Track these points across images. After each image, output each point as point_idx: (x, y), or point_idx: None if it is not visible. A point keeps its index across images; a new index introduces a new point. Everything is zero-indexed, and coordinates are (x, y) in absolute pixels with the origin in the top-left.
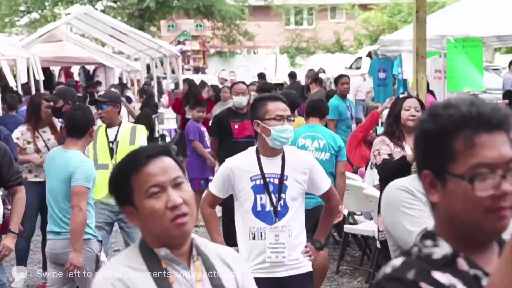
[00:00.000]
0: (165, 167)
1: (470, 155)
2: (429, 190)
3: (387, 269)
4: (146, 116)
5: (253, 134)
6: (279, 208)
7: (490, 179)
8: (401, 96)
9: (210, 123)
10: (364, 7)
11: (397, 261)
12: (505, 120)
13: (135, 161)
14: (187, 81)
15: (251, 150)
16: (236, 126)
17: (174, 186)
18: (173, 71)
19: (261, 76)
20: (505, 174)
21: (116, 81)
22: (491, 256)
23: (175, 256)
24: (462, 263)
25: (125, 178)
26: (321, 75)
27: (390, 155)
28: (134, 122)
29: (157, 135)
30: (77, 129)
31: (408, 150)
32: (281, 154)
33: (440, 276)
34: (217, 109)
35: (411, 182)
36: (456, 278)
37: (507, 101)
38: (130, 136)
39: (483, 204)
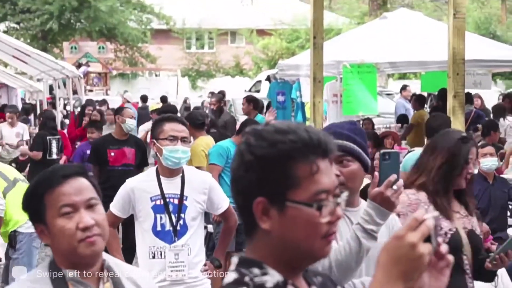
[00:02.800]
0: (80, 188)
1: (312, 182)
2: (260, 218)
3: None
4: (40, 137)
5: (133, 162)
6: (178, 228)
7: (329, 206)
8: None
9: None
10: (262, 32)
11: None
12: (334, 147)
13: (51, 179)
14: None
15: (152, 170)
16: (112, 154)
17: (87, 207)
18: (75, 92)
19: (163, 99)
20: (336, 201)
21: (19, 102)
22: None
23: (84, 277)
24: None
25: (39, 196)
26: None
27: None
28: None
29: (54, 157)
30: None
31: (460, 227)
32: (181, 175)
33: None
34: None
35: None
36: None
37: (400, 124)
38: None
39: (322, 230)
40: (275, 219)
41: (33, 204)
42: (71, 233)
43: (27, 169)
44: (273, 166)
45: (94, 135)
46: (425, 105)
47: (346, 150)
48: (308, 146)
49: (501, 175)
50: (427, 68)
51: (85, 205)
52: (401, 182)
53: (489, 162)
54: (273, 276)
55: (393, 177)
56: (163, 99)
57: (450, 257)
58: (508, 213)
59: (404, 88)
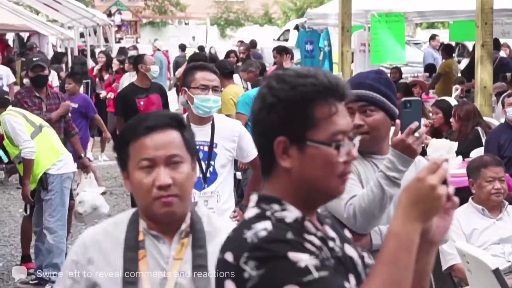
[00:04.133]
0: (164, 142)
1: (330, 123)
2: (280, 156)
3: (260, 233)
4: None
5: (160, 108)
6: (208, 175)
7: (346, 146)
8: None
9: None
10: None
11: (264, 225)
12: (349, 92)
13: (137, 128)
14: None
15: None
16: (142, 103)
17: (169, 164)
18: (106, 40)
19: (200, 48)
20: (352, 142)
21: (50, 49)
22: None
23: (160, 230)
24: (309, 226)
25: (125, 143)
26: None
27: None
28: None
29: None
30: None
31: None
32: (211, 122)
33: (310, 237)
34: (125, 81)
35: None
36: (316, 239)
37: (427, 74)
38: None
39: (339, 169)
40: (295, 158)
41: (120, 150)
42: (147, 189)
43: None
44: (295, 108)
45: (70, 86)
46: (453, 55)
47: (368, 100)
48: (327, 89)
49: None
50: (455, 17)
51: (165, 162)
52: (423, 129)
53: None
54: (292, 212)
55: (414, 124)
56: (200, 48)
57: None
58: None
59: (432, 37)
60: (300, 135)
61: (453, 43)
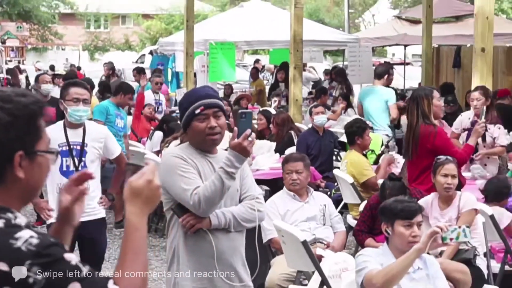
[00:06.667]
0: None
1: (45, 134)
2: (17, 168)
3: (31, 240)
4: None
5: (54, 119)
6: (80, 168)
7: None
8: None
9: None
10: (146, 16)
11: (26, 233)
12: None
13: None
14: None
15: (60, 123)
16: None
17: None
18: None
19: (72, 67)
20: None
21: None
22: None
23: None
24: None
25: None
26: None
27: None
28: None
29: None
30: None
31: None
32: (83, 127)
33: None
34: None
35: (184, 150)
36: None
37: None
38: None
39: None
40: (27, 167)
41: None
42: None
43: None
44: (30, 123)
45: None
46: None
47: (219, 106)
48: (44, 103)
49: (329, 128)
50: (274, 45)
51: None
52: (253, 135)
53: (320, 119)
54: (21, 218)
55: (248, 131)
56: (72, 66)
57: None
58: (334, 158)
59: (256, 61)
60: (33, 147)
61: (272, 66)
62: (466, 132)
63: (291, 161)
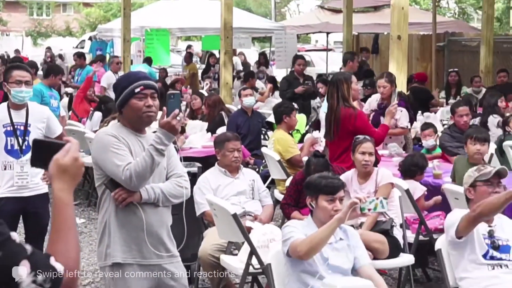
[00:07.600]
0: None
1: None
2: None
3: None
4: None
5: None
6: (23, 147)
7: None
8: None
9: None
10: (86, 4)
11: None
12: None
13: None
14: None
15: (4, 105)
16: None
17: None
18: None
19: (17, 51)
20: None
21: None
22: None
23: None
24: None
25: None
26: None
27: None
28: None
29: None
30: None
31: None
32: (26, 108)
33: None
34: None
35: (116, 130)
36: None
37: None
38: None
39: None
40: None
41: None
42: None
43: None
44: None
45: None
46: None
47: (155, 88)
48: None
49: (257, 110)
50: (206, 32)
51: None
52: (181, 114)
53: (248, 100)
54: None
55: (176, 111)
56: (17, 51)
57: None
58: (262, 137)
59: (189, 47)
60: None
61: (205, 51)
62: (373, 113)
63: (233, 140)
